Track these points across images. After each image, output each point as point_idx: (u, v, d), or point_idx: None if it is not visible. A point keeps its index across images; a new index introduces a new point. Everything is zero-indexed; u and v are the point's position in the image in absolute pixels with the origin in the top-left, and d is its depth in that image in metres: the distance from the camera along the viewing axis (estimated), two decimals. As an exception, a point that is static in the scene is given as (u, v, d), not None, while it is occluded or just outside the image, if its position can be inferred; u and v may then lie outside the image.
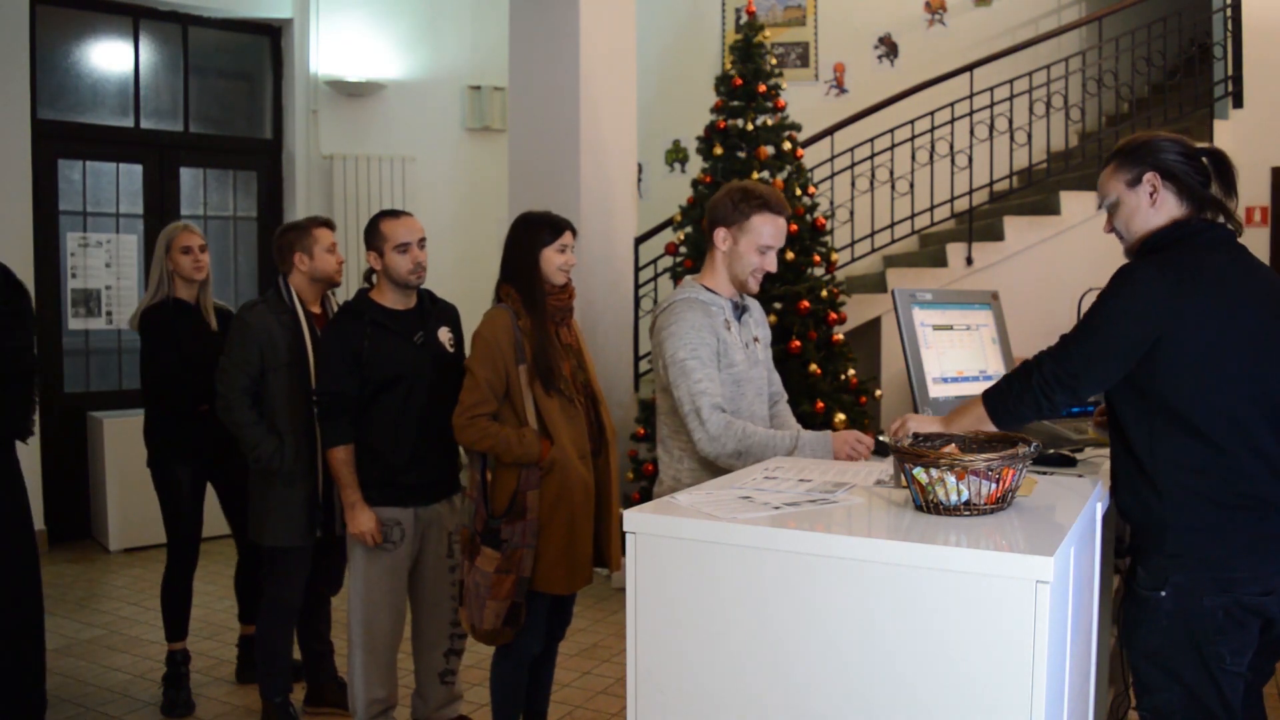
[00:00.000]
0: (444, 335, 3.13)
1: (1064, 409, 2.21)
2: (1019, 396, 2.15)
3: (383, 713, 3.14)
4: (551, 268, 2.90)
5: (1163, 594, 2.08)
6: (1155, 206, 2.17)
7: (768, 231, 2.62)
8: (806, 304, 4.89)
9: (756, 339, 2.79)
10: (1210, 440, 2.03)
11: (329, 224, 3.46)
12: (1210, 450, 2.04)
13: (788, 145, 5.12)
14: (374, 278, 3.09)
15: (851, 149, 5.99)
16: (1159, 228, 2.17)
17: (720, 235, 2.65)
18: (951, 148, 6.01)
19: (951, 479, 1.71)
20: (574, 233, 2.96)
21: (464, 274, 6.92)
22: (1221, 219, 2.18)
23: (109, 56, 6.30)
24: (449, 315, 3.21)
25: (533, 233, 2.92)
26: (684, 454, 2.65)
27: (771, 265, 2.66)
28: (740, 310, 2.74)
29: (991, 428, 2.14)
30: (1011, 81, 6.09)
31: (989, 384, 2.24)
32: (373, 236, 3.03)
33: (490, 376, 2.80)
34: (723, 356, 2.61)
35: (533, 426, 2.83)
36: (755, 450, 2.49)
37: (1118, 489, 2.18)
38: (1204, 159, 2.19)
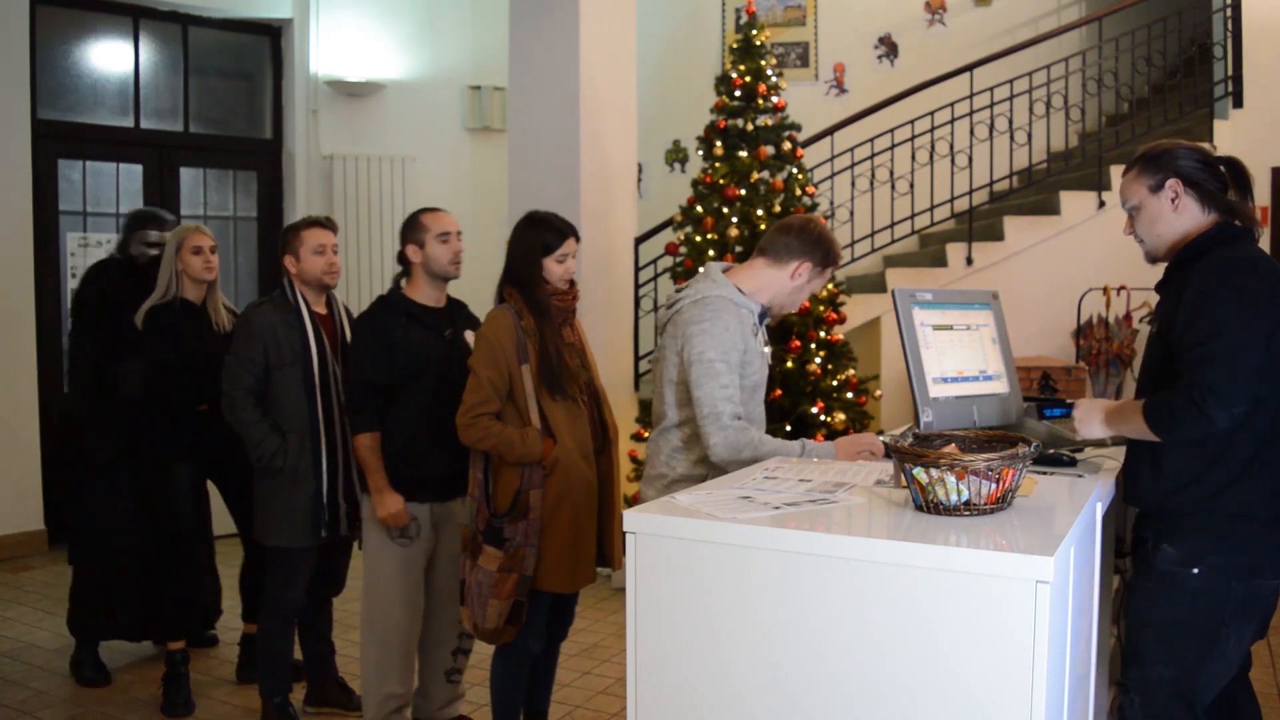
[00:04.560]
0: (470, 336, 3.17)
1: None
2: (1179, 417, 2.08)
3: (396, 710, 3.15)
4: (553, 277, 2.92)
5: (1195, 571, 2.14)
6: (1178, 212, 2.24)
7: (821, 284, 2.76)
8: (806, 304, 4.88)
9: (767, 343, 2.82)
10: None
11: (320, 223, 3.40)
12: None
13: (788, 145, 5.11)
14: (403, 280, 3.16)
15: (851, 149, 5.98)
16: (1195, 232, 2.23)
17: (803, 269, 2.69)
18: (951, 148, 6.00)
19: (951, 479, 1.71)
20: (577, 239, 2.97)
21: (464, 274, 6.91)
22: (1239, 223, 2.24)
23: (109, 56, 6.30)
24: (475, 322, 3.27)
25: (534, 238, 2.92)
26: (681, 449, 2.66)
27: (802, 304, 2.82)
28: (763, 317, 2.76)
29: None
30: (1011, 81, 6.08)
31: (989, 384, 2.24)
32: (413, 230, 3.12)
33: (493, 376, 2.81)
34: (747, 364, 2.61)
35: (536, 426, 2.83)
36: (766, 459, 2.49)
37: (1150, 477, 2.20)
38: (1221, 166, 2.26)
